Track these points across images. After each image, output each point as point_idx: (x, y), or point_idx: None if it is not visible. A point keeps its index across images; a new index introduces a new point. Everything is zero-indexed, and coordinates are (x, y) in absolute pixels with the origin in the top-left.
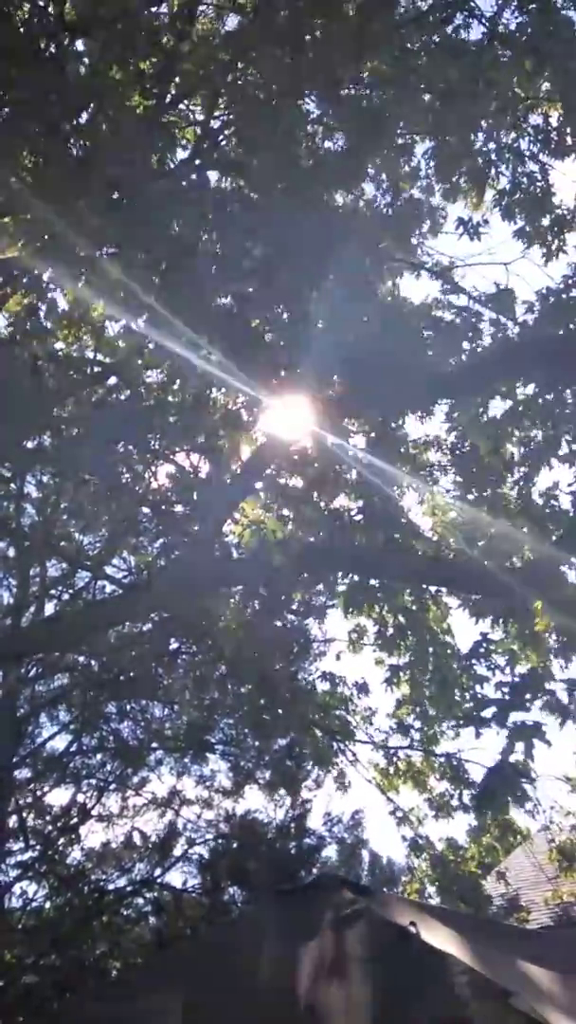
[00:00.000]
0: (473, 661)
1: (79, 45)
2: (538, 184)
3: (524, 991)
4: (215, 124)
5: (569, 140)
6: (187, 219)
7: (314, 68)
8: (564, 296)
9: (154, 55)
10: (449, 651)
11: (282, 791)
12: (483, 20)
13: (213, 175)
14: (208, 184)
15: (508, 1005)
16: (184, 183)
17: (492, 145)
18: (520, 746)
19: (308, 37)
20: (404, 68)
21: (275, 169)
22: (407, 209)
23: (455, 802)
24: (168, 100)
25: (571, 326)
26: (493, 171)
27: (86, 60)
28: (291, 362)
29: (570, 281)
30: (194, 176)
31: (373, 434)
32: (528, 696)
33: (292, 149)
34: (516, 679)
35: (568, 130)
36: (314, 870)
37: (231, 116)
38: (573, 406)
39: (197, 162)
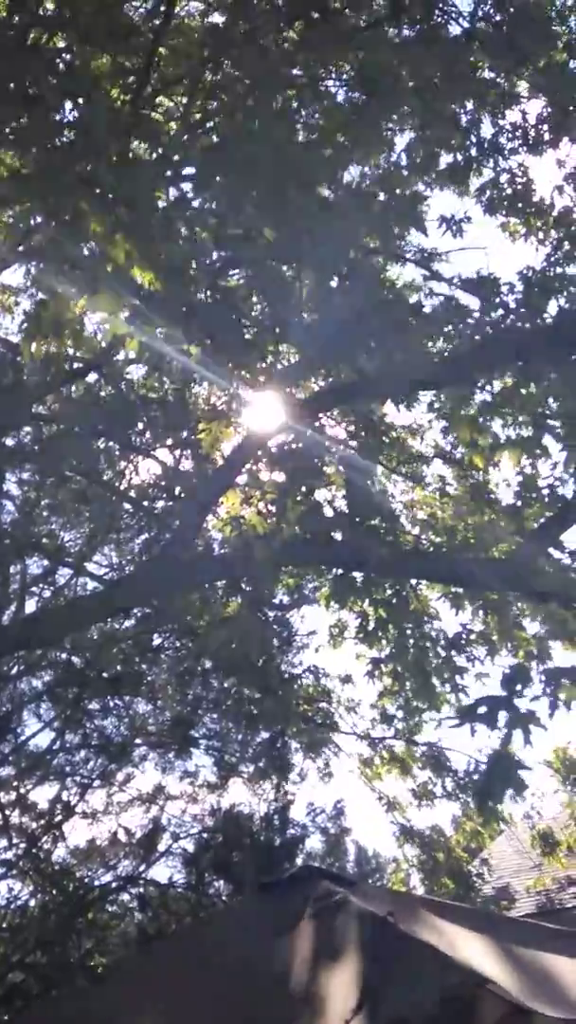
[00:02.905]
0: (453, 652)
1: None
2: (519, 180)
3: (508, 977)
4: (195, 117)
5: (546, 136)
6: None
7: (294, 61)
8: (547, 274)
9: (133, 49)
10: (429, 643)
11: (265, 784)
12: (458, 19)
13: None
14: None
15: (488, 991)
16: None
17: (473, 139)
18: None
19: (287, 32)
20: (382, 63)
21: (261, 148)
22: (388, 201)
23: (438, 790)
24: (147, 94)
25: (551, 309)
26: (475, 166)
27: (66, 56)
28: (275, 348)
29: (551, 260)
30: (170, 172)
31: (356, 425)
32: (519, 688)
33: (276, 133)
34: (506, 671)
35: (545, 127)
36: (298, 861)
37: (212, 108)
38: (555, 397)
39: (176, 158)
